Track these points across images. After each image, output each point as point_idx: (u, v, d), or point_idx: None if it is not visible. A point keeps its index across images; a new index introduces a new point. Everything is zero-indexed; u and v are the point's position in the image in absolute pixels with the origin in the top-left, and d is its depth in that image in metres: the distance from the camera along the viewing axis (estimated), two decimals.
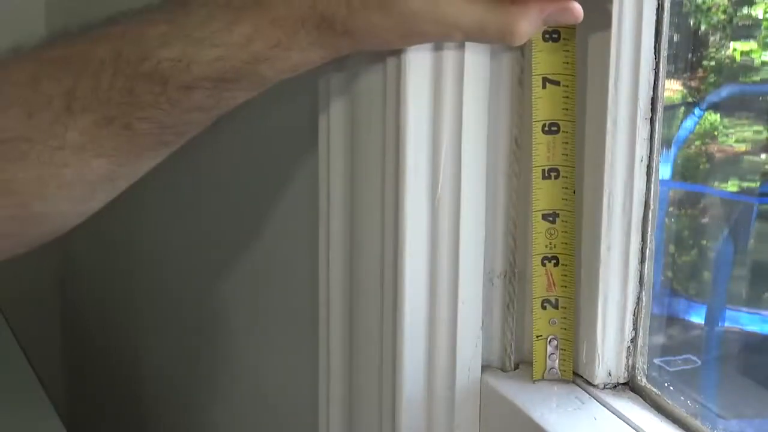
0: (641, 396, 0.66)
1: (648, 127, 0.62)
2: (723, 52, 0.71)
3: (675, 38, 0.64)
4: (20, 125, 0.61)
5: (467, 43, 0.63)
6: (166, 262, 1.20)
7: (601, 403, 0.65)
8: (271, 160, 0.91)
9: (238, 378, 1.02)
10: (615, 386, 0.66)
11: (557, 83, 0.63)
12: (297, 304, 0.86)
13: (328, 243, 0.72)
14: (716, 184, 0.74)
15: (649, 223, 0.65)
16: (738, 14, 0.72)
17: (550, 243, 0.66)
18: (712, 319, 0.88)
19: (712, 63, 0.72)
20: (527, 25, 0.57)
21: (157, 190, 1.16)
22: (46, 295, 1.64)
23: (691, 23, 0.70)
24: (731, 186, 0.74)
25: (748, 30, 0.71)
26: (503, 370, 0.70)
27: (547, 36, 0.63)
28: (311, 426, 0.78)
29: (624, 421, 0.64)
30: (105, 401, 1.51)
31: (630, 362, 0.66)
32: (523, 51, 0.65)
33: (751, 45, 0.71)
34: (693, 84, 0.71)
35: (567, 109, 0.64)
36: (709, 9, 0.71)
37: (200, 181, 1.06)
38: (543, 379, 0.67)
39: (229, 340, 1.03)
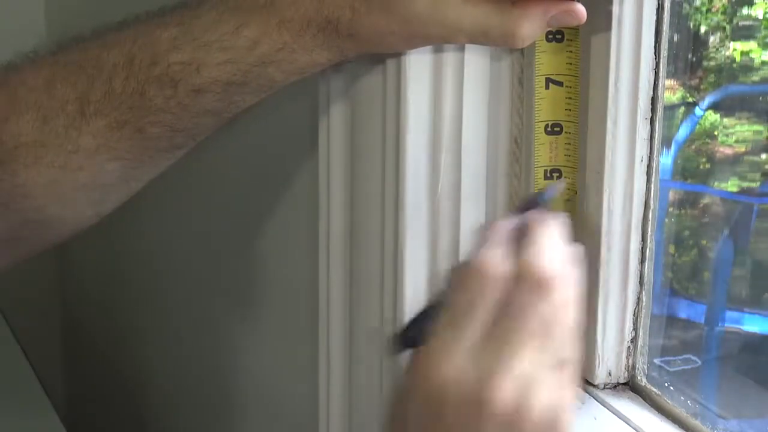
0: (641, 396, 0.66)
1: (648, 127, 0.62)
2: (723, 52, 0.71)
3: (675, 38, 0.64)
4: (35, 130, 0.61)
5: (467, 45, 0.63)
6: (166, 262, 1.20)
7: (601, 403, 0.65)
8: (271, 160, 0.91)
9: (238, 378, 1.02)
10: (615, 386, 0.66)
11: (560, 84, 0.63)
12: (297, 304, 0.86)
13: (328, 243, 0.72)
14: (716, 184, 0.74)
15: (649, 223, 0.65)
16: (738, 15, 0.72)
17: None
18: (712, 319, 0.88)
19: (712, 63, 0.72)
20: (530, 28, 0.57)
21: (157, 190, 1.15)
22: (46, 295, 1.64)
23: (691, 24, 0.70)
24: (731, 186, 0.74)
25: (747, 30, 0.71)
26: None
27: (550, 36, 0.63)
28: (311, 426, 0.78)
29: (624, 421, 0.64)
30: (105, 401, 1.51)
31: (630, 362, 0.66)
32: (524, 50, 0.65)
33: (750, 45, 0.71)
34: (693, 84, 0.71)
35: (570, 110, 0.64)
36: (708, 10, 0.71)
37: (200, 182, 1.06)
38: None
39: (229, 340, 1.03)
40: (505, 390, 0.51)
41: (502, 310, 0.52)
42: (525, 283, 0.52)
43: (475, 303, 0.53)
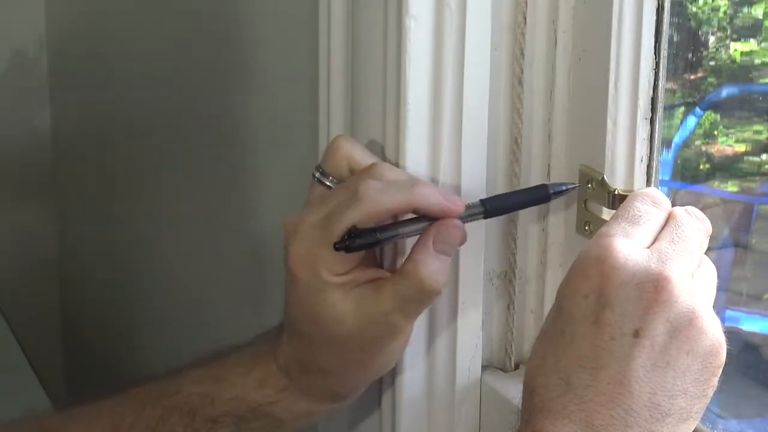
0: None
1: (648, 127, 0.62)
2: (723, 52, 0.71)
3: (675, 38, 0.64)
4: None
5: (467, 45, 0.63)
6: (166, 261, 1.20)
7: None
8: (271, 158, 0.91)
9: None
10: None
11: None
12: None
13: None
14: (716, 184, 0.74)
15: None
16: (738, 14, 0.72)
17: None
18: None
19: (712, 63, 0.72)
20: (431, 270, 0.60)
21: (157, 190, 1.16)
22: (46, 295, 1.64)
23: (692, 24, 0.70)
24: (731, 186, 0.74)
25: (748, 30, 0.71)
26: (503, 370, 0.70)
27: None
28: (311, 426, 0.78)
29: None
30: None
31: None
32: (523, 50, 0.65)
33: (751, 45, 0.71)
34: (693, 84, 0.71)
35: None
36: (710, 11, 0.71)
37: (199, 181, 1.06)
38: None
39: (229, 340, 1.03)
40: (677, 278, 0.53)
41: (671, 224, 0.56)
42: (691, 214, 0.57)
43: (650, 212, 0.56)
